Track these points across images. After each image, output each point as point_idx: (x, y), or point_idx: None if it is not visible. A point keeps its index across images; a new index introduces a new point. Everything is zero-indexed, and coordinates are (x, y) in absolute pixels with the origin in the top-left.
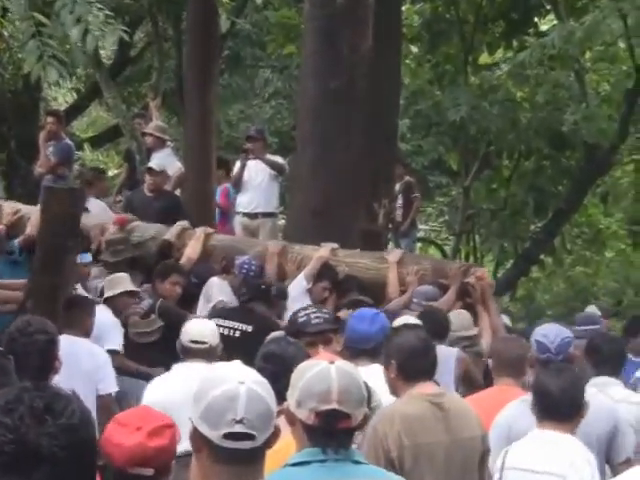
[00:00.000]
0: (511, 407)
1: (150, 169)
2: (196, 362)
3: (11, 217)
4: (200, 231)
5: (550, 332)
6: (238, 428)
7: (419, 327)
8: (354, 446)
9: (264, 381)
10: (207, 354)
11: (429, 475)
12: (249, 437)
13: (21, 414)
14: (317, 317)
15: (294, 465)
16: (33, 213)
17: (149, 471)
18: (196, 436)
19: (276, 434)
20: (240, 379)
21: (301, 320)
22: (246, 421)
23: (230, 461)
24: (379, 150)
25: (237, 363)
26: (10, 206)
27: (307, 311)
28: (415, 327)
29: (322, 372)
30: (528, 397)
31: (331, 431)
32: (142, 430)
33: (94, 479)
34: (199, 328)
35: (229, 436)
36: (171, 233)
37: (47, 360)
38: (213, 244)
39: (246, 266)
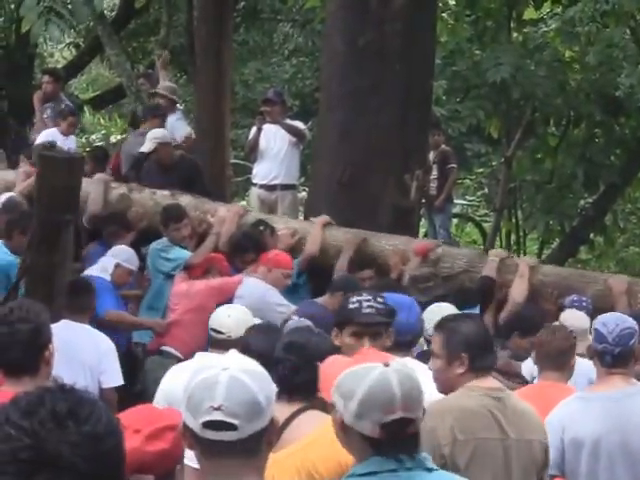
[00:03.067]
0: (565, 406)
1: (144, 155)
2: (215, 352)
3: (289, 240)
4: (523, 265)
5: (610, 321)
6: (216, 416)
7: (476, 316)
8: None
9: (258, 370)
10: (228, 345)
11: (487, 474)
12: (230, 426)
13: (42, 418)
14: (370, 306)
15: (362, 475)
16: (310, 232)
17: (149, 478)
18: (185, 430)
19: (272, 428)
20: (225, 366)
21: (351, 307)
22: (224, 408)
23: (216, 455)
24: (412, 115)
25: (234, 352)
26: (286, 227)
27: (360, 297)
28: (474, 316)
29: (383, 380)
30: (584, 394)
31: (399, 440)
32: (140, 433)
33: None
34: (222, 316)
35: (208, 425)
36: (490, 268)
37: (30, 353)
38: (540, 279)
39: (576, 303)
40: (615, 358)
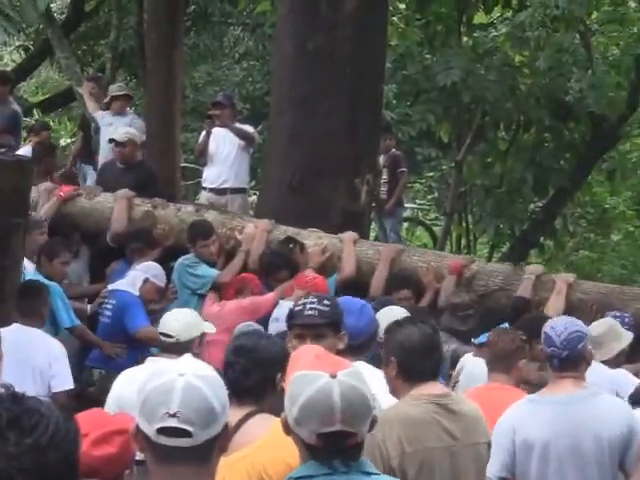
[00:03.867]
0: (516, 409)
1: (113, 141)
2: (165, 357)
3: (320, 258)
4: (561, 282)
5: (559, 325)
6: (171, 422)
7: (425, 322)
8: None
9: (213, 376)
10: (178, 349)
11: None
12: (185, 433)
13: None
14: (312, 308)
15: (298, 479)
16: (340, 248)
17: None
18: (138, 433)
19: (226, 433)
20: (181, 371)
21: (296, 309)
22: (180, 415)
23: (169, 460)
24: (363, 119)
25: (188, 357)
26: (316, 244)
27: (306, 300)
28: (420, 322)
29: (323, 390)
30: (534, 397)
31: (335, 450)
32: (88, 437)
33: None
34: (170, 320)
35: (163, 431)
36: (525, 287)
37: None
38: (579, 297)
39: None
40: (563, 361)
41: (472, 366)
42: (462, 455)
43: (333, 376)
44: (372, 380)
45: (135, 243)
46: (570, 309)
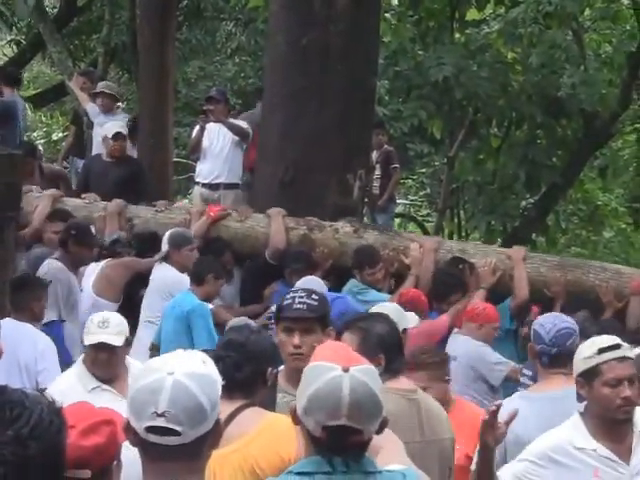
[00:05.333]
0: (507, 405)
1: (119, 134)
2: None
3: (492, 278)
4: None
5: (547, 321)
6: (160, 422)
7: (388, 317)
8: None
9: (203, 374)
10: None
11: None
12: (173, 432)
13: None
14: (302, 302)
15: (299, 474)
16: (510, 266)
17: (86, 473)
18: (128, 428)
19: (217, 430)
20: (170, 370)
21: (285, 302)
22: (168, 414)
23: (158, 457)
24: (355, 115)
25: (180, 352)
26: (485, 262)
27: (295, 294)
28: (386, 316)
29: (333, 383)
30: (525, 394)
31: (340, 446)
32: (75, 429)
33: None
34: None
35: (151, 430)
36: None
37: None
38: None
39: None
40: (552, 358)
41: None
42: (430, 450)
43: (346, 370)
44: None
45: (295, 265)
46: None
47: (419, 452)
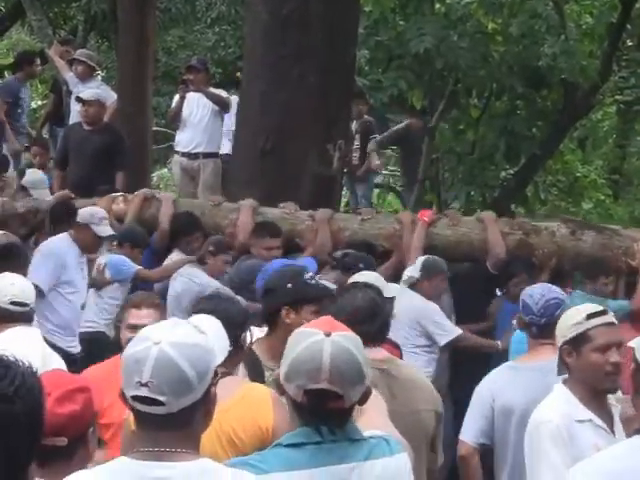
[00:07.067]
0: (495, 375)
1: (80, 99)
2: (19, 326)
3: None
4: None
5: (536, 292)
6: (143, 392)
7: (370, 286)
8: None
9: (192, 343)
10: (29, 318)
11: None
12: (157, 402)
13: None
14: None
15: (288, 446)
16: None
17: (62, 440)
18: (122, 395)
19: (209, 398)
20: (157, 339)
21: (310, 282)
22: (151, 385)
23: (148, 426)
24: (335, 84)
25: (174, 320)
26: None
27: (308, 275)
28: (365, 286)
29: (314, 346)
30: (513, 364)
31: (321, 411)
32: (51, 396)
33: (24, 458)
34: (21, 287)
35: (137, 399)
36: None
37: None
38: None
39: None
40: (541, 328)
41: None
42: (402, 421)
43: (327, 334)
44: None
45: (518, 275)
46: None
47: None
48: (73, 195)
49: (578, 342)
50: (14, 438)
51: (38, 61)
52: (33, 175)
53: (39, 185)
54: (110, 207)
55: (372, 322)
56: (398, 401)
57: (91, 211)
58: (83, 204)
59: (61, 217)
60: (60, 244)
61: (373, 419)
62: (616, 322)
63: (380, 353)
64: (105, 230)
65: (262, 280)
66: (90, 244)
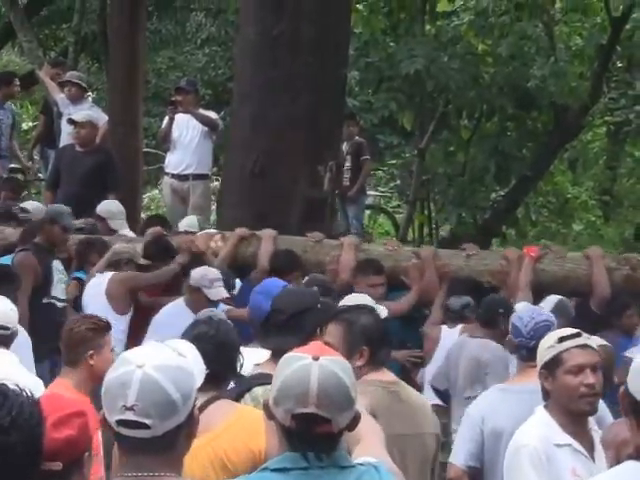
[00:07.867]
0: (485, 397)
1: (72, 121)
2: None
3: None
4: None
5: (525, 315)
6: (128, 415)
7: (373, 309)
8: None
9: (175, 365)
10: (10, 341)
11: None
12: (143, 425)
13: None
14: None
15: (274, 471)
16: None
17: (57, 465)
18: (104, 421)
19: (192, 421)
20: (140, 362)
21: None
22: (137, 408)
23: (132, 450)
24: (326, 106)
25: (154, 344)
26: None
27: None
28: (371, 308)
29: (302, 370)
30: (503, 386)
31: (309, 436)
32: (47, 421)
33: None
34: (4, 311)
35: (121, 423)
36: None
37: None
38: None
39: None
40: (530, 351)
41: None
42: (411, 444)
43: (315, 358)
44: None
45: (631, 304)
46: None
47: (398, 445)
48: (165, 232)
49: (552, 365)
50: (10, 468)
51: (17, 81)
52: (109, 205)
53: (117, 216)
54: (208, 245)
55: (387, 345)
56: (406, 424)
57: (202, 272)
58: (179, 240)
59: (157, 255)
60: (174, 311)
61: (369, 448)
62: (592, 344)
63: (386, 375)
64: (218, 293)
65: (266, 301)
66: (202, 308)
